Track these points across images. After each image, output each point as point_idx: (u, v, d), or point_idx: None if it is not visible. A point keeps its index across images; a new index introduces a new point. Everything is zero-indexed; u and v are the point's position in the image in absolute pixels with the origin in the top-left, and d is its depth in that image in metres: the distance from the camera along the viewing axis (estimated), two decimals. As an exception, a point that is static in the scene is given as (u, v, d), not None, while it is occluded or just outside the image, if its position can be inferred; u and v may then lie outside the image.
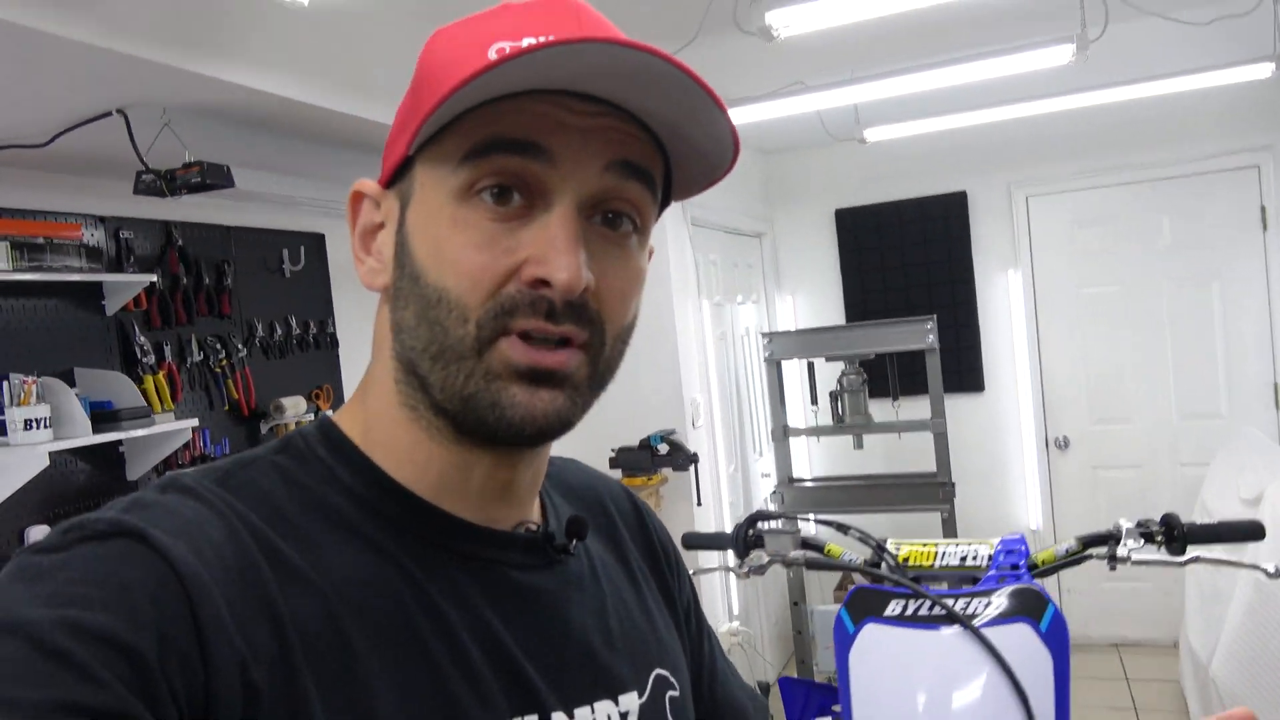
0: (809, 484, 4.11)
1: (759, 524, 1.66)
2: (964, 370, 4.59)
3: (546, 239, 0.53)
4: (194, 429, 2.55)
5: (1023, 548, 1.55)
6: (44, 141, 1.95)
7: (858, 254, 4.73)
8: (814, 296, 4.87)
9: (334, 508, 0.57)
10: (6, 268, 2.04)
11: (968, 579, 1.55)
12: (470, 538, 0.60)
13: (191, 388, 2.68)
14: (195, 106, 1.88)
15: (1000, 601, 1.38)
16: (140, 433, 2.29)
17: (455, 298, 0.54)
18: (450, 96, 0.50)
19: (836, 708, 1.34)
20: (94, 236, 2.41)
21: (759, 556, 1.64)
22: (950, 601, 1.39)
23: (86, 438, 2.15)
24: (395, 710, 0.52)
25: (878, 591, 1.46)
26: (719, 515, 3.76)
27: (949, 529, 3.72)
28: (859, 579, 1.53)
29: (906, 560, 1.59)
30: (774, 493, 3.94)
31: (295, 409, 2.89)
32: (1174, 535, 1.42)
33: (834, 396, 3.88)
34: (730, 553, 1.74)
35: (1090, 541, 1.51)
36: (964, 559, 1.58)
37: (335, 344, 3.24)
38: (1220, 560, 1.40)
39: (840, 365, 3.90)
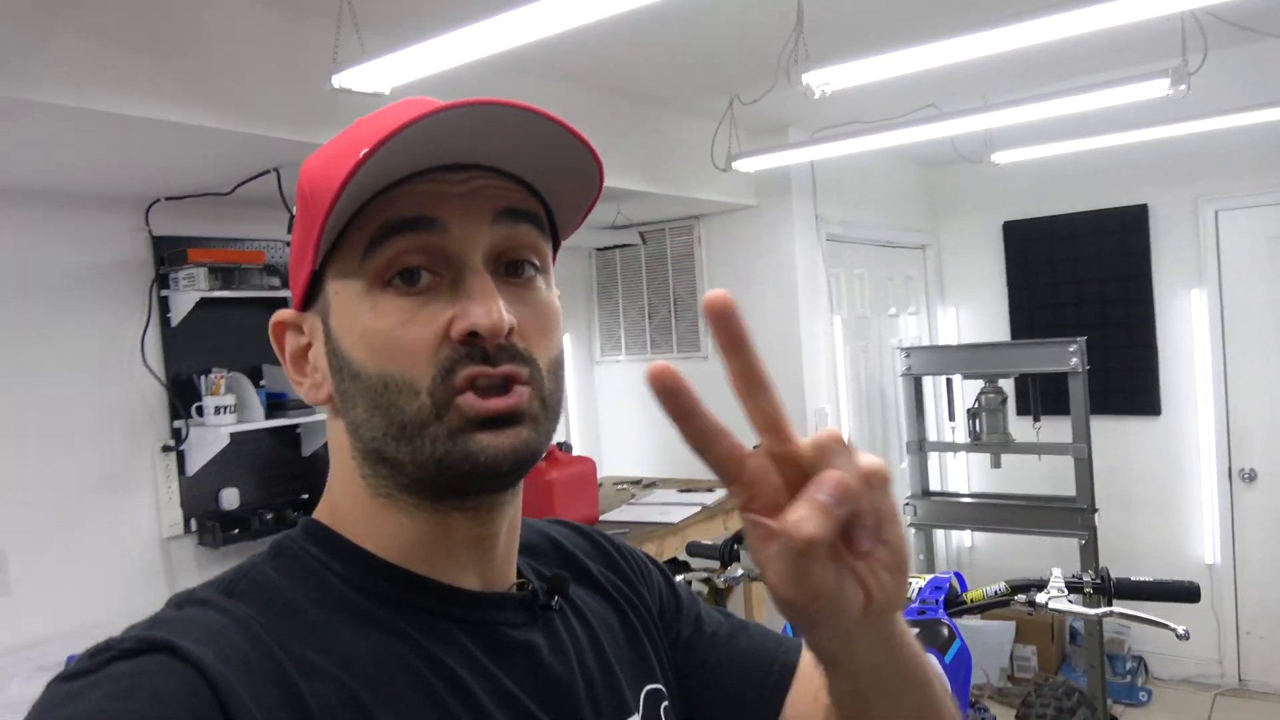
0: (947, 499, 4.10)
1: (743, 541, 1.86)
2: (1138, 392, 4.34)
3: (464, 296, 0.57)
4: (356, 417, 3.07)
5: (946, 584, 1.67)
6: (228, 190, 2.50)
7: (1025, 268, 4.59)
8: (978, 310, 4.77)
9: (337, 597, 0.59)
10: (206, 288, 2.61)
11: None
12: (467, 603, 0.62)
13: (359, 382, 3.21)
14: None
15: (915, 631, 1.52)
16: (304, 420, 2.83)
17: (399, 377, 0.57)
18: (338, 198, 0.54)
19: None
20: (284, 256, 2.98)
21: (734, 569, 1.84)
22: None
23: (260, 422, 2.70)
24: None
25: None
26: (842, 524, 3.86)
27: (1087, 556, 3.61)
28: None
29: None
30: (906, 504, 3.98)
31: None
32: (1103, 588, 1.47)
33: (971, 414, 3.85)
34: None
35: (1019, 587, 1.58)
36: (891, 589, 1.71)
37: (490, 346, 3.70)
38: (1134, 616, 1.44)
39: (981, 383, 3.87)
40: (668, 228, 3.95)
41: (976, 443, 3.85)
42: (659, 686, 0.73)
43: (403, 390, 0.57)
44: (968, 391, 4.06)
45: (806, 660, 0.79)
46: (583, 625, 0.70)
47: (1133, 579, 1.46)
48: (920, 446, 3.98)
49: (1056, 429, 3.94)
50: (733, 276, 3.81)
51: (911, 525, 3.96)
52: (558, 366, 0.62)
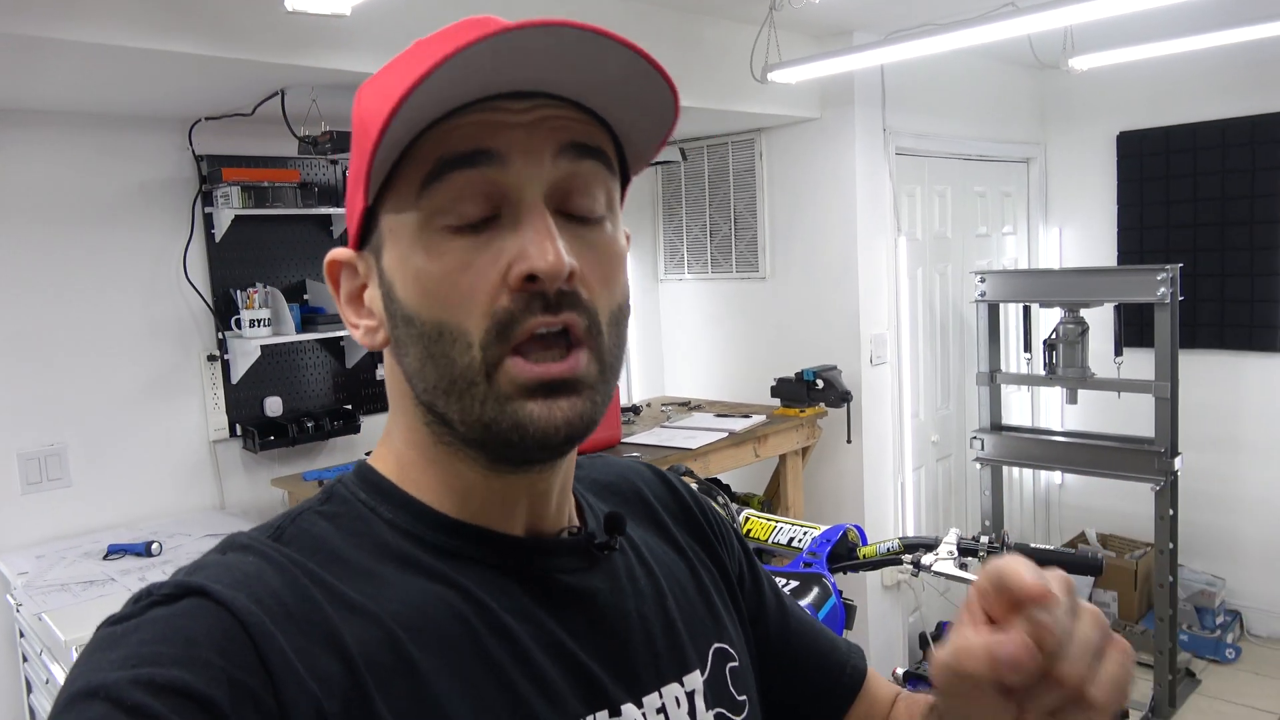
0: (1018, 435, 3.86)
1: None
2: (1257, 326, 3.92)
3: (523, 237, 0.54)
4: (397, 332, 3.18)
5: (836, 537, 1.58)
6: (250, 111, 2.58)
7: (1140, 184, 4.16)
8: (1084, 230, 4.39)
9: (384, 543, 0.58)
10: (239, 206, 2.73)
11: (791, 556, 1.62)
12: (517, 550, 0.61)
13: (404, 297, 3.31)
14: (331, 85, 2.37)
15: (794, 584, 1.46)
16: (338, 333, 2.95)
17: (454, 326, 0.54)
18: (385, 131, 0.51)
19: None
20: (328, 175, 3.07)
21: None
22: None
23: (292, 336, 2.83)
24: None
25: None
26: (897, 454, 3.73)
27: (1163, 502, 3.34)
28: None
29: (749, 531, 1.69)
30: (974, 437, 3.79)
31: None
32: (998, 553, 1.35)
33: (1048, 345, 3.58)
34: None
35: (911, 545, 1.47)
36: (791, 540, 1.65)
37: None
38: None
39: (1061, 312, 3.58)
40: (730, 141, 3.80)
41: (1051, 376, 3.59)
42: (728, 648, 0.71)
43: (456, 340, 0.54)
44: (1049, 321, 3.78)
45: (873, 673, 0.83)
46: (647, 574, 0.68)
47: (1032, 546, 1.34)
48: (992, 378, 3.75)
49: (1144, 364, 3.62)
50: (791, 194, 3.64)
51: (977, 460, 3.77)
52: (621, 318, 0.59)
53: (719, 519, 0.80)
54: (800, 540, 1.60)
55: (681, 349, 4.15)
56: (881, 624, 3.68)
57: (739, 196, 3.81)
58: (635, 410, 3.60)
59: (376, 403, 3.23)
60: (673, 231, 4.11)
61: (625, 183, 0.63)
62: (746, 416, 3.28)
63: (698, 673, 0.66)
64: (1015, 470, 4.39)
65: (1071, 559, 1.32)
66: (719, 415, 3.39)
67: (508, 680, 0.56)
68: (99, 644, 0.50)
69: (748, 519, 1.70)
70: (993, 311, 3.72)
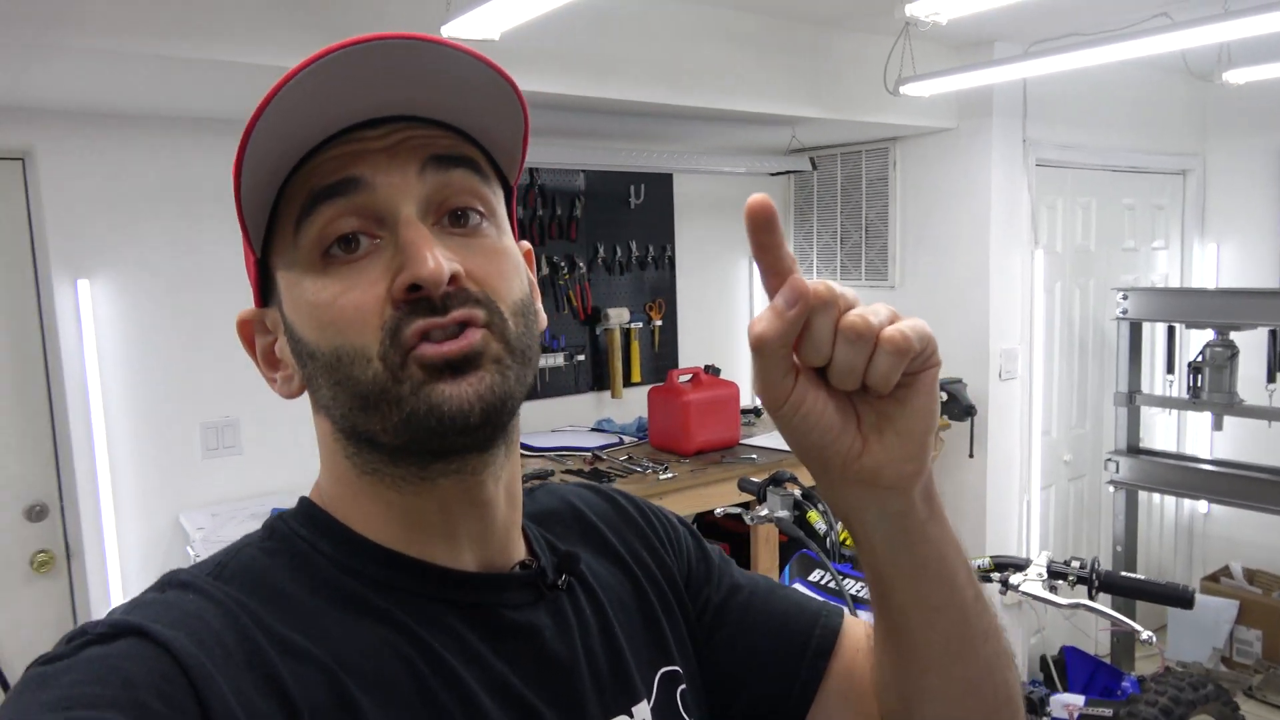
0: (1156, 459, 3.71)
1: (776, 485, 1.90)
2: None
3: (402, 251, 0.54)
4: (532, 327, 3.37)
5: None
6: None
7: (1309, 200, 3.91)
8: (1244, 247, 4.15)
9: (325, 580, 0.57)
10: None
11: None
12: (462, 586, 0.60)
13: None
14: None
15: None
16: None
17: (349, 349, 0.55)
18: (239, 180, 0.53)
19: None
20: (474, 179, 3.29)
21: (758, 509, 1.89)
22: (849, 582, 1.58)
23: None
24: None
25: (812, 559, 1.70)
26: (1024, 472, 3.65)
27: (1314, 542, 3.16)
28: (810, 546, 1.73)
29: (844, 541, 1.75)
30: (1109, 460, 3.67)
31: (619, 318, 3.57)
32: (1089, 580, 1.36)
33: (1193, 368, 3.43)
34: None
35: (1002, 564, 1.49)
36: (884, 549, 1.68)
37: (673, 265, 3.83)
38: (1100, 611, 1.33)
39: (1210, 333, 3.42)
40: (864, 150, 3.81)
41: (1195, 400, 3.44)
42: (676, 669, 0.70)
43: (355, 360, 0.55)
44: (1197, 341, 3.61)
45: (852, 624, 0.75)
46: (593, 604, 0.67)
47: (1123, 574, 1.34)
48: (1131, 399, 3.62)
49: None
50: (924, 204, 3.62)
51: (1110, 483, 3.65)
52: (524, 309, 0.58)
53: (665, 521, 0.79)
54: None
55: (807, 354, 4.19)
56: (999, 642, 3.62)
57: (871, 204, 3.82)
58: (756, 413, 3.68)
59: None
60: (803, 237, 4.15)
61: (509, 194, 0.64)
62: (866, 425, 3.30)
63: (645, 702, 0.66)
64: (1157, 496, 4.21)
65: (1160, 590, 1.33)
66: (839, 422, 3.42)
67: (448, 718, 0.55)
68: (29, 684, 0.47)
69: (844, 529, 1.76)
70: (1135, 330, 3.59)
